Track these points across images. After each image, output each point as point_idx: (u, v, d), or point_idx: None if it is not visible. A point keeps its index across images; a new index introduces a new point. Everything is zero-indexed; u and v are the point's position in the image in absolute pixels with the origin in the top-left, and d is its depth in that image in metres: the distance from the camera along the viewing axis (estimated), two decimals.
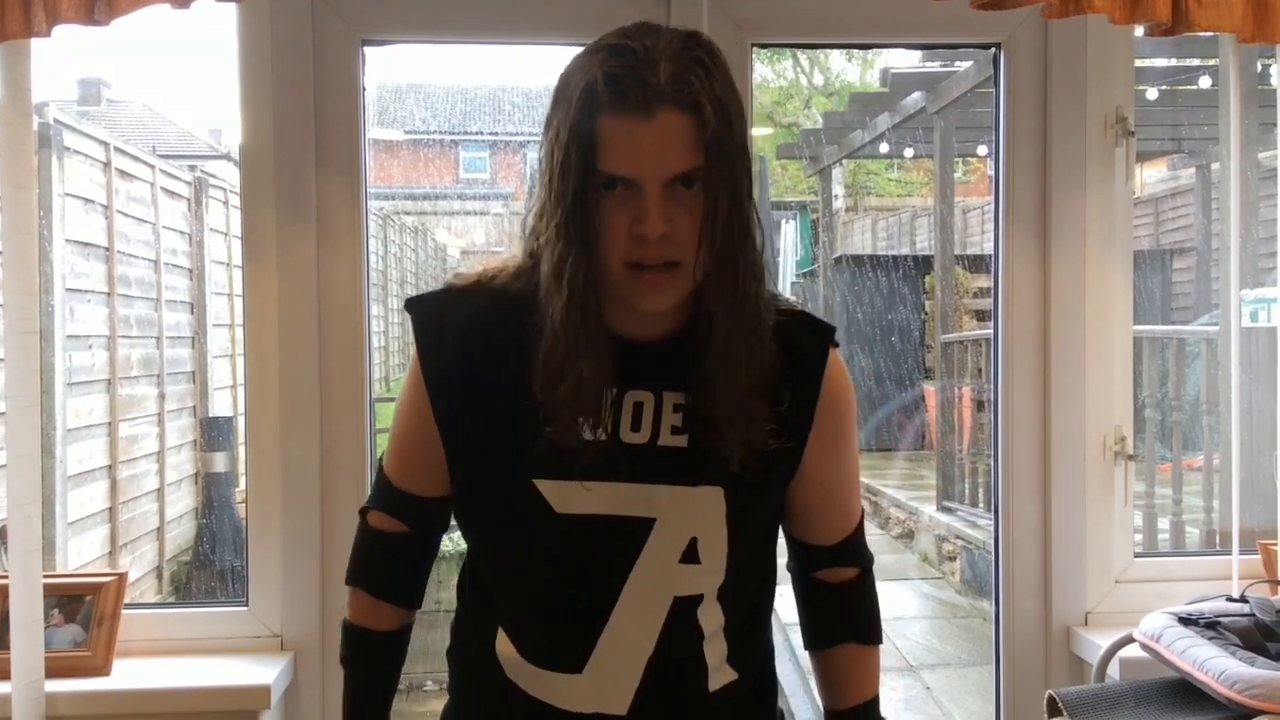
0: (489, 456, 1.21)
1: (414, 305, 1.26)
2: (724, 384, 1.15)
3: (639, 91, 1.08)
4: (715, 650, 1.25)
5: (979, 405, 6.35)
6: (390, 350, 8.36)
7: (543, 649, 1.22)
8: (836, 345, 1.28)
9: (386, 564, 1.33)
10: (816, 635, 1.38)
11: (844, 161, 9.60)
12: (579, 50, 1.18)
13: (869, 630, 1.37)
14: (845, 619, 1.36)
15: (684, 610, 1.21)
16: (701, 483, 1.19)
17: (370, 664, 1.34)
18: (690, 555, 1.20)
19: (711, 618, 1.23)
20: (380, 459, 1.33)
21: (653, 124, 1.08)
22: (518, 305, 1.18)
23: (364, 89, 2.05)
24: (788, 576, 1.39)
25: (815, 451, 1.26)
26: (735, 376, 1.15)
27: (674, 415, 1.19)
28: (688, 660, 1.23)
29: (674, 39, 1.13)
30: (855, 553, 1.36)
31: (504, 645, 1.24)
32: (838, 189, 9.82)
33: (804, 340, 1.24)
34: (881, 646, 1.38)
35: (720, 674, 1.25)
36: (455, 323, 1.23)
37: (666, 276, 1.12)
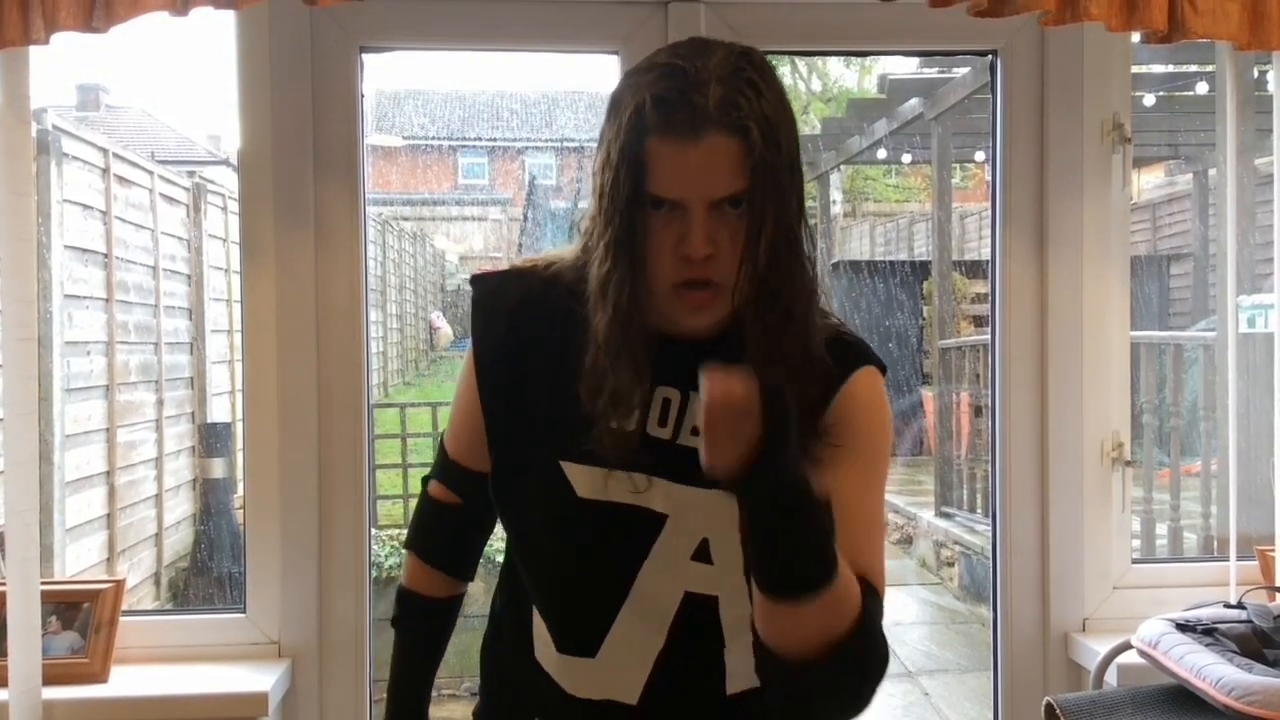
0: (522, 435, 1.24)
1: (477, 282, 1.31)
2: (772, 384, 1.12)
3: (686, 114, 1.08)
4: (740, 656, 1.23)
5: (977, 411, 6.36)
6: (389, 356, 8.36)
7: (562, 631, 1.25)
8: (878, 367, 1.24)
9: (439, 533, 1.39)
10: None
11: (842, 167, 9.62)
12: (632, 67, 1.18)
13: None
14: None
15: (699, 608, 1.22)
16: (716, 486, 1.17)
17: (416, 627, 1.40)
18: (702, 555, 1.21)
19: (738, 623, 1.21)
20: (443, 432, 1.38)
21: (700, 147, 1.08)
22: (568, 295, 1.21)
23: (362, 95, 2.06)
24: None
25: (817, 462, 1.19)
26: None
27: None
28: (703, 659, 1.24)
29: (726, 58, 1.12)
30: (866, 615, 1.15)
31: (540, 628, 1.27)
32: (836, 195, 9.83)
33: (841, 358, 1.22)
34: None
35: (741, 679, 1.24)
36: (507, 303, 1.27)
37: (710, 296, 1.13)
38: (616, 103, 1.15)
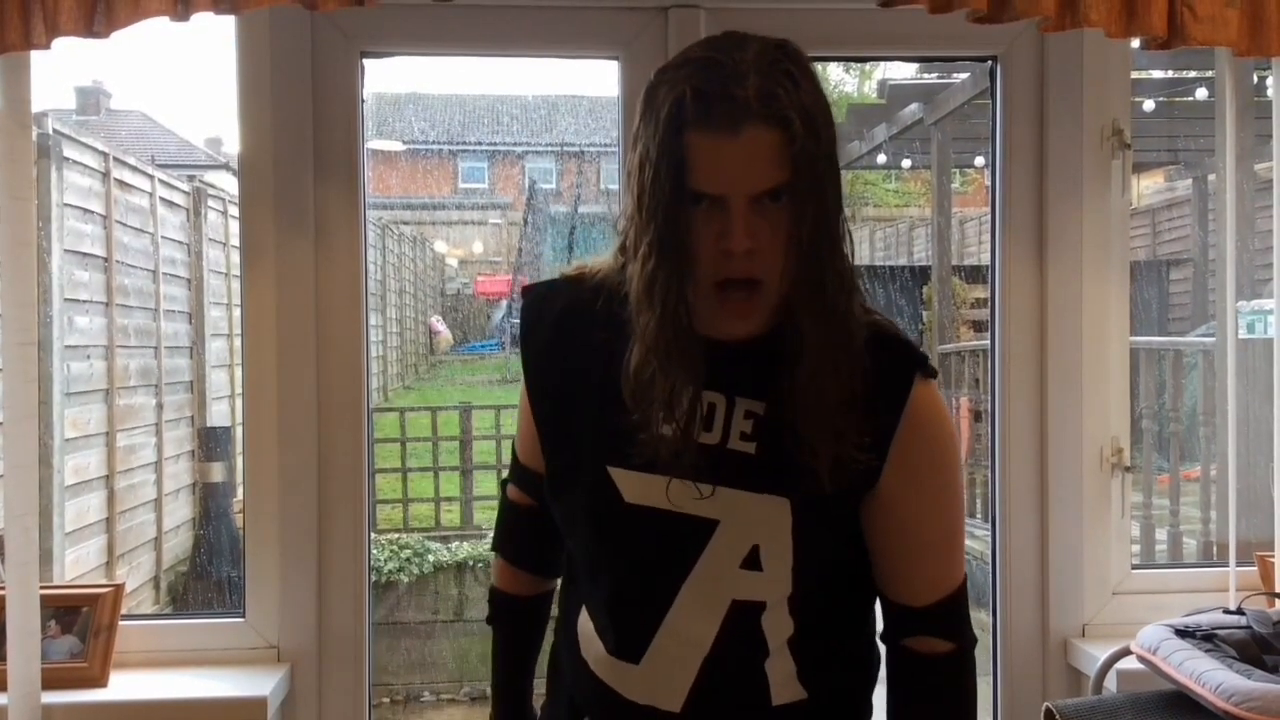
0: (570, 441, 1.25)
1: (526, 291, 1.33)
2: (813, 401, 1.14)
3: (726, 107, 1.08)
4: (781, 664, 1.24)
5: (976, 416, 6.35)
6: (388, 360, 8.36)
7: (607, 634, 1.25)
8: (930, 375, 1.22)
9: (519, 534, 1.42)
10: (897, 716, 1.29)
11: (842, 172, 9.61)
12: (665, 63, 1.17)
13: (958, 717, 1.27)
14: (930, 699, 1.26)
15: (744, 616, 1.21)
16: (767, 491, 1.19)
17: (508, 625, 1.44)
18: (752, 562, 1.20)
19: (778, 628, 1.23)
20: (515, 435, 1.41)
21: (740, 141, 1.08)
22: (614, 300, 1.20)
23: (363, 100, 2.06)
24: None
25: (895, 487, 1.21)
26: (825, 393, 1.14)
27: (744, 421, 1.20)
28: (747, 669, 1.23)
29: (762, 50, 1.12)
30: (951, 623, 1.26)
31: (585, 624, 1.28)
32: None
33: (890, 364, 1.20)
34: None
35: (786, 690, 1.24)
36: (553, 311, 1.28)
37: (750, 299, 1.14)
38: (651, 99, 1.13)
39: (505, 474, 1.44)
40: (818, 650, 1.25)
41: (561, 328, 1.27)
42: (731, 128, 1.08)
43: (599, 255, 1.29)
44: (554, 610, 1.41)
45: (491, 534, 1.48)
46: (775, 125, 1.08)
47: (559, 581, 1.42)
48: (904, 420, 1.20)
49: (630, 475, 1.20)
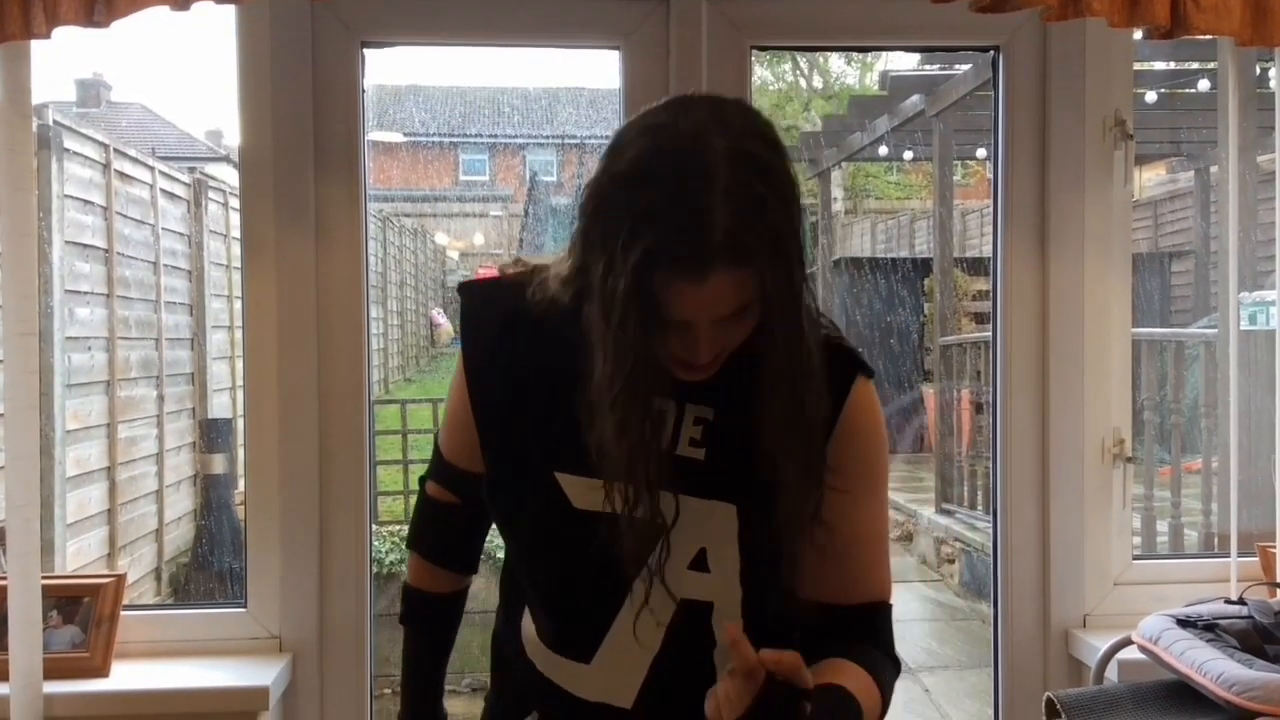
0: (515, 447, 1.24)
1: (465, 290, 1.30)
2: (779, 436, 1.14)
3: (694, 254, 1.03)
4: (727, 657, 1.23)
5: (978, 408, 6.36)
6: (389, 352, 8.36)
7: (556, 635, 1.25)
8: (869, 376, 1.24)
9: (439, 532, 1.40)
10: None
11: (843, 164, 9.61)
12: (621, 153, 1.09)
13: (873, 665, 1.20)
14: (846, 649, 1.20)
15: (693, 615, 1.22)
16: (714, 497, 1.19)
17: (423, 623, 1.42)
18: (699, 564, 1.21)
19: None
20: (437, 431, 1.38)
21: (707, 286, 1.05)
22: (564, 315, 1.18)
23: (364, 91, 2.06)
24: None
25: (829, 483, 1.20)
26: (790, 431, 1.14)
27: (694, 428, 1.20)
28: (696, 664, 1.23)
29: (731, 155, 1.05)
30: (877, 631, 1.24)
31: (528, 626, 1.27)
32: (837, 192, 9.83)
33: (833, 372, 1.20)
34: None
35: None
36: (499, 313, 1.25)
37: (709, 365, 1.13)
38: (611, 202, 1.07)
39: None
40: (764, 645, 1.25)
41: (507, 336, 1.24)
42: (699, 274, 1.04)
43: (540, 254, 1.27)
44: (482, 604, 1.39)
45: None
46: (744, 265, 1.05)
47: (473, 578, 1.42)
48: (841, 421, 1.21)
49: (578, 481, 1.19)
